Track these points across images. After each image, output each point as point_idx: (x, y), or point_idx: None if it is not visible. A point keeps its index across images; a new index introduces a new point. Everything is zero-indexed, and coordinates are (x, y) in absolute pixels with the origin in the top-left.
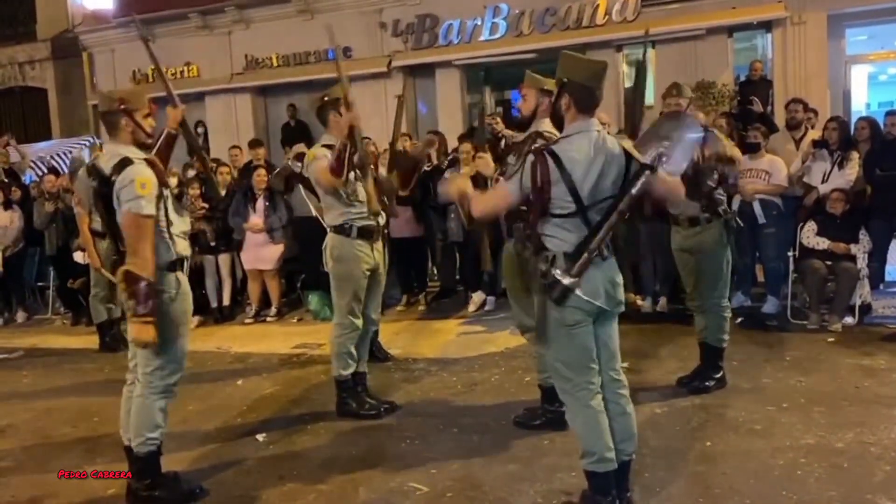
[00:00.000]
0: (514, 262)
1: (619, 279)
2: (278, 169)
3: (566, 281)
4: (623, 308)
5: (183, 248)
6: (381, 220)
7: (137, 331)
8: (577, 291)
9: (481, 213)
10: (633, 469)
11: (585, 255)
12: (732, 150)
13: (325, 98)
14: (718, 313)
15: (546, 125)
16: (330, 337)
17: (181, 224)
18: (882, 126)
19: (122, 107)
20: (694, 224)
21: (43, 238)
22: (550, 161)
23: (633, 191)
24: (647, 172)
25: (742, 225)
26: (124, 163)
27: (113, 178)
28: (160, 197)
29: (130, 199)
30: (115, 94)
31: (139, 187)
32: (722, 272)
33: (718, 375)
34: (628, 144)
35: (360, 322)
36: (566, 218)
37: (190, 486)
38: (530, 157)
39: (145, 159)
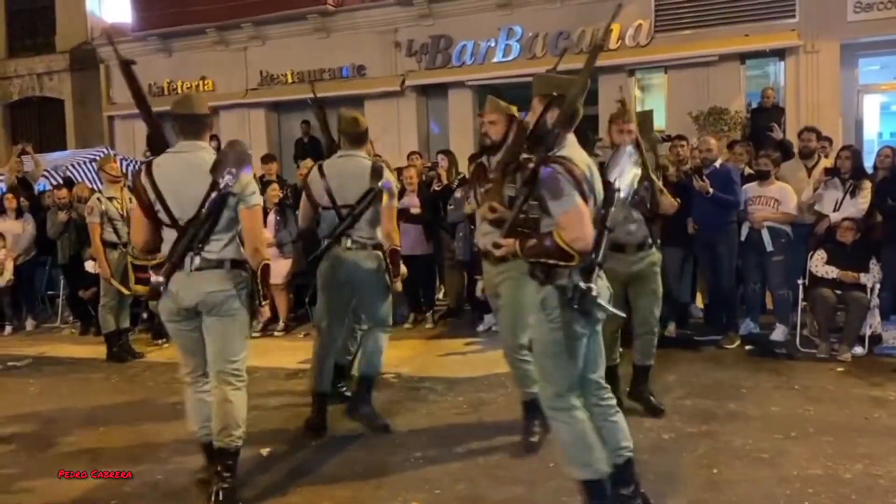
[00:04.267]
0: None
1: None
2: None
3: (589, 286)
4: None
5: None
6: None
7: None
8: (599, 299)
9: (584, 243)
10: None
11: (596, 266)
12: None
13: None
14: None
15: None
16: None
17: None
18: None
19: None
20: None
21: (55, 247)
22: (576, 170)
23: (613, 207)
24: (618, 192)
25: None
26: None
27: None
28: None
29: (251, 193)
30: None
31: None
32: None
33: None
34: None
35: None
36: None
37: None
38: (556, 167)
39: None
